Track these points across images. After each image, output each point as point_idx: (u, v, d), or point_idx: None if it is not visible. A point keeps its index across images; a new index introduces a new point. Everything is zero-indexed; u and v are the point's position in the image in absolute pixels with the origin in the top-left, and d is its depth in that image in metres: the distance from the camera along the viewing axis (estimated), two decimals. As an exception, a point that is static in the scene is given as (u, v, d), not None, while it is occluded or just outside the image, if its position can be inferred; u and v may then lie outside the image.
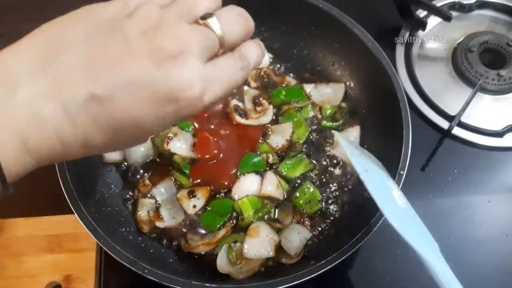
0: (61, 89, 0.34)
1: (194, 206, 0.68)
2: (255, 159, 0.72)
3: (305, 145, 0.75)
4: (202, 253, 0.67)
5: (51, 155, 0.36)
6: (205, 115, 0.76)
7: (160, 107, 0.36)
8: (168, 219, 0.69)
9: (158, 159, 0.73)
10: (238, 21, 0.41)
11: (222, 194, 0.71)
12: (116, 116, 0.36)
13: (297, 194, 0.70)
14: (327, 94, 0.80)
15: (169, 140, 0.70)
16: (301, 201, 0.69)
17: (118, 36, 0.36)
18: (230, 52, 0.41)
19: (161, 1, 0.39)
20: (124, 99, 0.35)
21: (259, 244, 0.64)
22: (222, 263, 0.65)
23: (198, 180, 0.71)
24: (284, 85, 0.81)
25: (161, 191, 0.70)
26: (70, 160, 0.39)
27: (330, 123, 0.77)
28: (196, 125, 0.75)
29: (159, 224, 0.68)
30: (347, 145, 0.59)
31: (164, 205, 0.70)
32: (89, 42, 0.36)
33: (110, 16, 0.37)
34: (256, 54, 0.42)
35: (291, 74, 0.83)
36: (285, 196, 0.71)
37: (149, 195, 0.70)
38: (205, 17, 0.39)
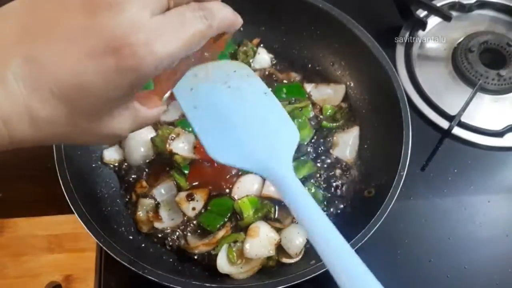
0: None
1: (194, 209, 0.68)
2: None
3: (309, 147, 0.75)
4: (202, 253, 0.67)
5: None
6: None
7: (100, 60, 0.32)
8: (167, 220, 0.69)
9: (158, 159, 0.73)
10: None
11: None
12: (53, 78, 0.32)
13: (299, 195, 0.70)
14: (327, 94, 0.80)
15: (171, 141, 0.70)
16: (302, 202, 0.69)
17: None
18: (186, 4, 0.36)
19: None
20: (59, 57, 0.32)
21: (259, 243, 0.64)
22: (222, 263, 0.65)
23: (196, 183, 0.71)
24: (291, 81, 0.81)
25: (161, 192, 0.70)
26: (19, 146, 0.34)
27: (331, 124, 0.77)
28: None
29: (158, 225, 0.68)
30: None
31: (163, 206, 0.69)
32: (27, 9, 0.33)
33: None
34: (225, 11, 0.38)
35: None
36: (286, 197, 0.71)
37: (149, 195, 0.70)
38: None
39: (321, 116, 0.78)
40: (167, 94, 0.44)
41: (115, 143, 0.73)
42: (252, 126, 0.45)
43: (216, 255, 0.65)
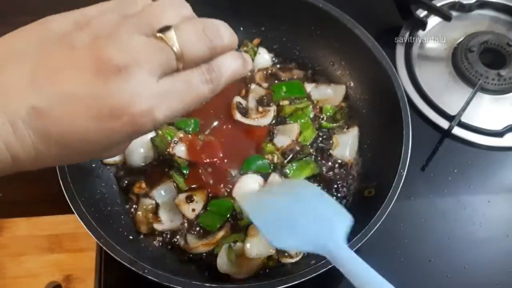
0: (6, 101, 0.33)
1: (193, 210, 0.68)
2: (260, 162, 0.71)
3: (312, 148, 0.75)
4: (202, 253, 0.67)
5: (3, 167, 0.36)
6: (211, 111, 0.75)
7: (102, 123, 0.34)
8: (166, 222, 0.68)
9: (157, 160, 0.73)
10: (201, 37, 0.36)
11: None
12: (57, 130, 0.34)
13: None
14: (327, 94, 0.80)
15: (174, 144, 0.70)
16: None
17: (65, 46, 0.34)
18: (196, 66, 0.38)
19: (126, 10, 0.37)
20: (63, 113, 0.34)
21: (259, 242, 0.64)
22: (222, 263, 0.65)
23: (194, 185, 0.70)
24: (294, 78, 0.81)
25: (161, 193, 0.70)
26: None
27: (331, 124, 0.77)
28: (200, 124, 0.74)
29: (157, 226, 0.68)
30: (245, 204, 0.60)
31: (163, 208, 0.69)
32: (37, 52, 0.35)
33: (65, 27, 0.36)
34: (234, 66, 0.39)
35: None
36: (288, 197, 0.71)
37: (149, 196, 0.70)
38: (162, 30, 0.35)
39: (321, 116, 0.78)
40: None
41: None
42: (309, 216, 0.53)
43: (216, 255, 0.65)
